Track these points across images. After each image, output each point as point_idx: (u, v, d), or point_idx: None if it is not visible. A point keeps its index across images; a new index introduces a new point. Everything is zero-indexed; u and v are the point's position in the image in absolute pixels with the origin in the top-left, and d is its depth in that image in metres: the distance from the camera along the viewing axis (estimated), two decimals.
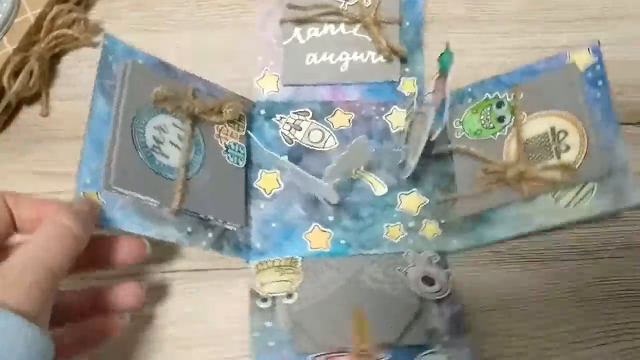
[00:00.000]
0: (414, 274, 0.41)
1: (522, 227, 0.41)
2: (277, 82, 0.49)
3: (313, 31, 0.49)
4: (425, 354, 0.37)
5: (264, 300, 0.40)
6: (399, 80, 0.49)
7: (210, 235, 0.41)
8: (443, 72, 0.37)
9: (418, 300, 0.40)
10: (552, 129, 0.40)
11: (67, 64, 0.50)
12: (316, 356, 0.38)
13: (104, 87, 0.40)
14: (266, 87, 0.49)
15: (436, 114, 0.37)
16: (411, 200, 0.45)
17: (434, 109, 0.37)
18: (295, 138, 0.47)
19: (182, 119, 0.42)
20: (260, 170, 0.46)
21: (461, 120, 0.45)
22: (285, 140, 0.47)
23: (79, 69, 0.49)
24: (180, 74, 0.45)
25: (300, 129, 0.48)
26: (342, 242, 0.43)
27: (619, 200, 0.37)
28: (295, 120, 0.48)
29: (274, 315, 0.40)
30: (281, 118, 0.48)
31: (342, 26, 0.49)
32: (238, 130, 0.46)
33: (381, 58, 0.49)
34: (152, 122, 0.40)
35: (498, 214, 0.42)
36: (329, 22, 0.49)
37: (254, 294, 0.40)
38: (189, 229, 0.40)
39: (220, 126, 0.44)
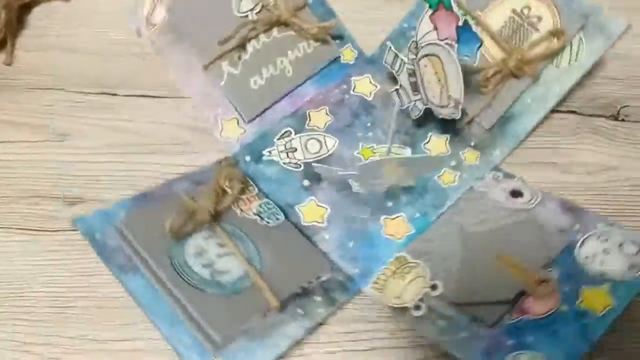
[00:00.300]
0: (500, 197, 0.40)
1: (544, 106, 0.43)
2: (237, 123, 0.44)
3: (240, 56, 0.45)
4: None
5: (417, 307, 0.36)
6: (340, 53, 0.47)
7: (318, 299, 0.36)
8: (436, 5, 0.37)
9: (533, 216, 0.39)
10: (514, 10, 0.43)
11: (38, 15, 0.50)
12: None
13: (121, 266, 0.35)
14: (231, 134, 0.44)
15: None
16: (436, 144, 0.44)
17: (451, 41, 0.36)
18: (298, 159, 0.43)
19: (206, 228, 0.36)
20: (296, 207, 0.41)
21: None
22: (292, 167, 0.43)
23: (49, 21, 0.50)
24: (160, 190, 0.39)
25: (296, 149, 0.44)
26: (417, 215, 0.41)
27: (608, 35, 0.42)
28: (285, 144, 0.44)
29: (435, 312, 0.36)
30: (270, 152, 0.43)
31: (262, 37, 0.46)
32: (249, 191, 0.40)
33: (314, 44, 0.47)
34: (187, 253, 0.35)
35: (517, 107, 0.43)
36: (249, 39, 0.45)
37: (399, 310, 0.36)
38: (300, 311, 0.35)
39: (236, 203, 0.39)
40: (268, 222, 0.39)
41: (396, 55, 0.41)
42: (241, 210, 0.39)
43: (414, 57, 0.40)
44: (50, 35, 0.49)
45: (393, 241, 0.40)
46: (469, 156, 0.44)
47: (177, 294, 0.33)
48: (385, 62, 0.42)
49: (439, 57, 0.37)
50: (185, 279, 0.33)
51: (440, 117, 0.40)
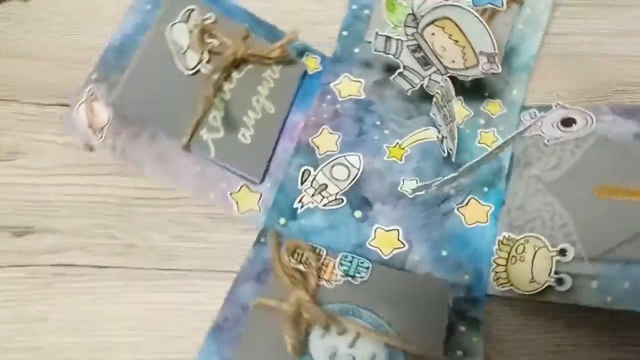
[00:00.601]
0: (554, 132, 0.37)
1: (539, 28, 0.41)
2: (249, 190, 0.37)
3: (215, 116, 0.37)
4: None
5: (559, 281, 0.32)
6: (305, 66, 0.42)
7: (463, 328, 0.31)
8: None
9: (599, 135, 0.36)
10: None
11: None
12: None
13: None
14: (249, 205, 0.37)
15: None
16: (459, 112, 0.40)
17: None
18: (335, 194, 0.37)
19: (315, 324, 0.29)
20: (367, 244, 0.35)
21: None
22: (334, 205, 0.37)
23: (4, 24, 0.43)
24: (229, 312, 0.33)
25: (325, 185, 0.38)
26: (485, 189, 0.37)
27: None
28: (312, 185, 0.38)
29: (581, 276, 0.32)
30: (301, 201, 0.37)
31: (225, 85, 0.39)
32: (318, 254, 0.34)
33: (277, 69, 0.41)
34: None
35: (514, 39, 0.41)
36: (215, 93, 0.38)
37: (543, 293, 0.32)
38: (460, 353, 0.30)
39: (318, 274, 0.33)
40: (362, 277, 0.33)
41: (388, 38, 0.37)
42: (327, 280, 0.32)
43: (414, 30, 0.35)
44: (3, 40, 0.42)
45: (481, 227, 0.36)
46: (492, 107, 0.40)
47: None
48: (377, 50, 0.37)
49: (450, 19, 0.33)
50: None
51: (470, 79, 0.36)
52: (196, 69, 0.37)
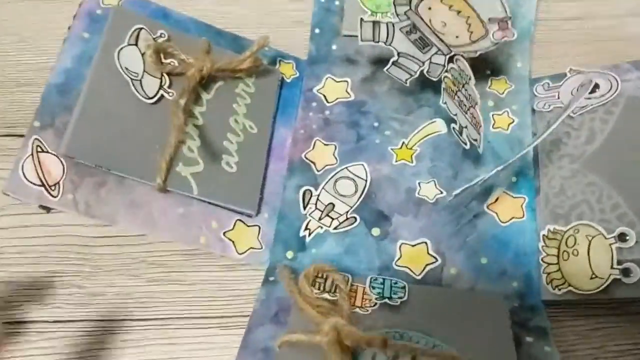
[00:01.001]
0: (577, 102, 0.33)
1: None
2: (245, 225, 0.32)
3: (190, 147, 0.32)
4: None
5: (626, 272, 0.27)
6: (279, 76, 0.36)
7: (530, 339, 0.26)
8: None
9: (627, 97, 0.32)
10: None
11: None
12: None
13: None
14: (249, 242, 0.31)
15: None
16: None
17: None
18: (344, 212, 0.32)
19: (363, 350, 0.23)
20: (394, 265, 0.30)
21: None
22: (347, 226, 0.32)
23: None
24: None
25: (333, 204, 0.32)
26: (514, 179, 0.32)
27: None
28: (317, 207, 0.32)
29: None
30: (307, 227, 0.32)
31: (196, 109, 0.33)
32: (364, 295, 0.28)
33: (251, 81, 0.35)
34: None
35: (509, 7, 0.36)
36: (187, 119, 0.32)
37: (608, 289, 0.28)
38: None
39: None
40: (401, 297, 0.28)
41: (376, 24, 0.32)
42: (360, 307, 0.27)
43: (406, 7, 0.30)
44: None
45: (518, 223, 0.31)
46: (498, 86, 0.36)
47: None
48: (364, 40, 0.32)
49: None
50: None
51: (478, 54, 0.32)
52: (157, 95, 0.32)
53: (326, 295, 0.27)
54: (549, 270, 0.29)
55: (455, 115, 0.32)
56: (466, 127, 0.31)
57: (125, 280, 0.31)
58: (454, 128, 0.32)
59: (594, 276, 0.28)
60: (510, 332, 0.26)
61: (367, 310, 0.27)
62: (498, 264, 0.30)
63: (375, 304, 0.27)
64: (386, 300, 0.27)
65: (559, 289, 0.29)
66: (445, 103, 0.33)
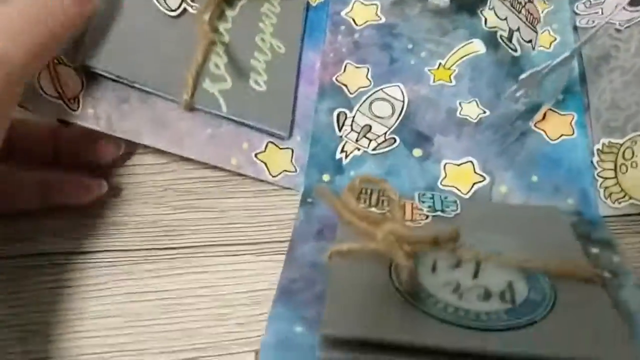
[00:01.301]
0: (621, 18, 0.31)
1: None
2: (278, 147, 0.30)
3: (216, 63, 0.29)
4: None
5: None
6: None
7: (595, 250, 0.25)
8: None
9: None
10: None
11: None
12: None
13: None
14: (282, 165, 0.30)
15: None
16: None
17: None
18: (383, 133, 0.30)
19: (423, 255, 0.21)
20: (440, 184, 0.28)
21: None
22: (386, 146, 0.30)
23: None
24: (295, 271, 0.24)
25: (370, 125, 0.30)
26: (561, 97, 0.31)
27: None
28: (353, 129, 0.30)
29: None
30: (344, 150, 0.30)
31: (221, 25, 0.30)
32: (414, 210, 0.26)
33: (278, 1, 0.33)
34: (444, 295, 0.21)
35: None
36: (212, 36, 0.30)
37: None
38: (607, 275, 0.23)
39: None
40: (454, 210, 0.26)
41: None
42: (412, 220, 0.25)
43: None
44: None
45: (569, 140, 0.29)
46: (545, 40, 0.34)
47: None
48: None
49: None
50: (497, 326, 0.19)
51: None
52: (180, 8, 0.29)
53: (374, 210, 0.25)
54: (606, 184, 0.28)
55: (505, 19, 0.30)
56: (518, 29, 0.29)
57: (150, 209, 0.29)
58: (501, 36, 0.30)
59: None
60: (575, 238, 0.24)
61: (420, 223, 0.25)
62: (550, 181, 0.28)
63: (427, 216, 0.25)
64: (439, 213, 0.25)
65: (619, 202, 0.27)
66: (493, 8, 0.31)
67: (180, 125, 0.28)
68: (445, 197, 0.27)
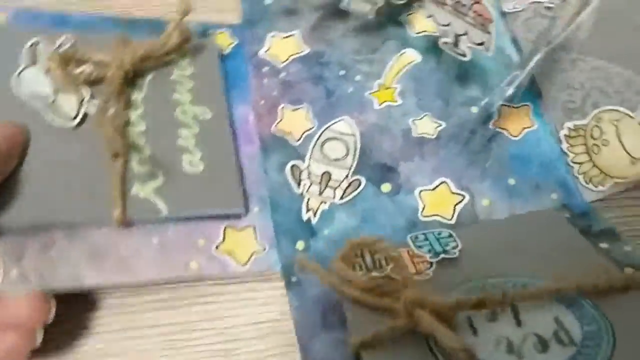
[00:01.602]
0: None
1: None
2: (236, 229, 0.26)
3: (139, 160, 0.26)
4: None
5: None
6: (216, 47, 0.31)
7: (605, 245, 0.23)
8: None
9: None
10: None
11: None
12: None
13: None
14: (245, 247, 0.26)
15: None
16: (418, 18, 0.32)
17: None
18: (343, 177, 0.28)
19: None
20: (419, 217, 0.26)
21: None
22: (352, 190, 0.27)
23: None
24: None
25: (329, 172, 0.28)
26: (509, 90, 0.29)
27: None
28: (311, 181, 0.27)
29: None
30: (307, 207, 0.27)
31: (132, 113, 0.27)
32: (413, 259, 0.24)
33: (187, 62, 0.29)
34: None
35: None
36: (124, 128, 0.26)
37: None
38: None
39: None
40: (455, 247, 0.24)
41: None
42: (417, 273, 0.23)
43: None
44: None
45: (532, 132, 0.28)
46: None
47: None
48: None
49: None
50: None
51: None
52: (81, 113, 0.25)
53: (375, 274, 0.22)
54: (583, 169, 0.26)
55: (447, 25, 0.28)
56: (465, 33, 0.27)
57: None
58: (445, 43, 0.28)
59: (633, 160, 0.25)
60: (584, 239, 0.23)
61: (428, 274, 0.22)
62: (528, 180, 0.27)
63: (431, 263, 0.23)
64: (442, 255, 0.23)
65: (602, 185, 0.26)
66: (431, 16, 0.29)
67: (121, 247, 0.24)
68: (439, 234, 0.25)
